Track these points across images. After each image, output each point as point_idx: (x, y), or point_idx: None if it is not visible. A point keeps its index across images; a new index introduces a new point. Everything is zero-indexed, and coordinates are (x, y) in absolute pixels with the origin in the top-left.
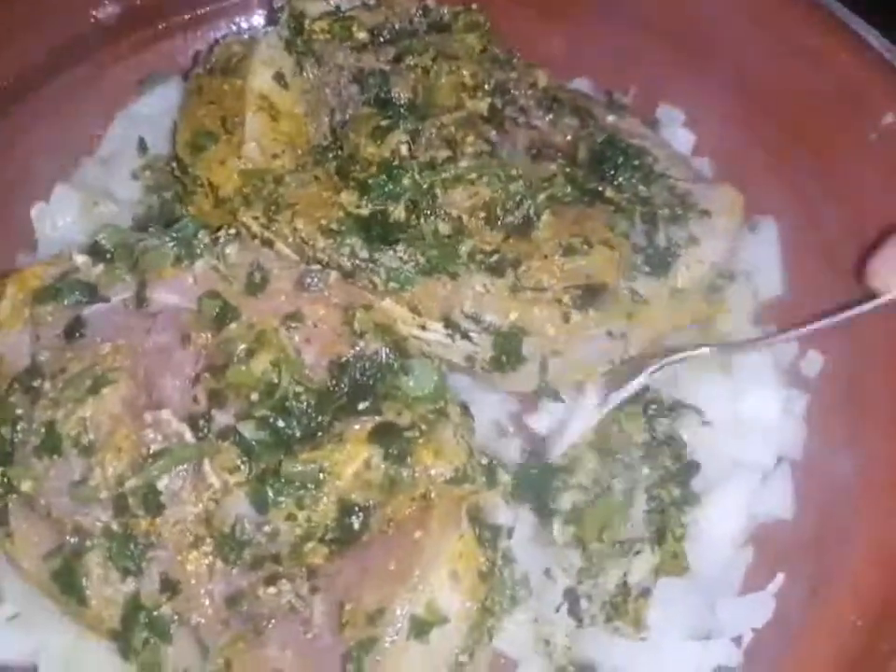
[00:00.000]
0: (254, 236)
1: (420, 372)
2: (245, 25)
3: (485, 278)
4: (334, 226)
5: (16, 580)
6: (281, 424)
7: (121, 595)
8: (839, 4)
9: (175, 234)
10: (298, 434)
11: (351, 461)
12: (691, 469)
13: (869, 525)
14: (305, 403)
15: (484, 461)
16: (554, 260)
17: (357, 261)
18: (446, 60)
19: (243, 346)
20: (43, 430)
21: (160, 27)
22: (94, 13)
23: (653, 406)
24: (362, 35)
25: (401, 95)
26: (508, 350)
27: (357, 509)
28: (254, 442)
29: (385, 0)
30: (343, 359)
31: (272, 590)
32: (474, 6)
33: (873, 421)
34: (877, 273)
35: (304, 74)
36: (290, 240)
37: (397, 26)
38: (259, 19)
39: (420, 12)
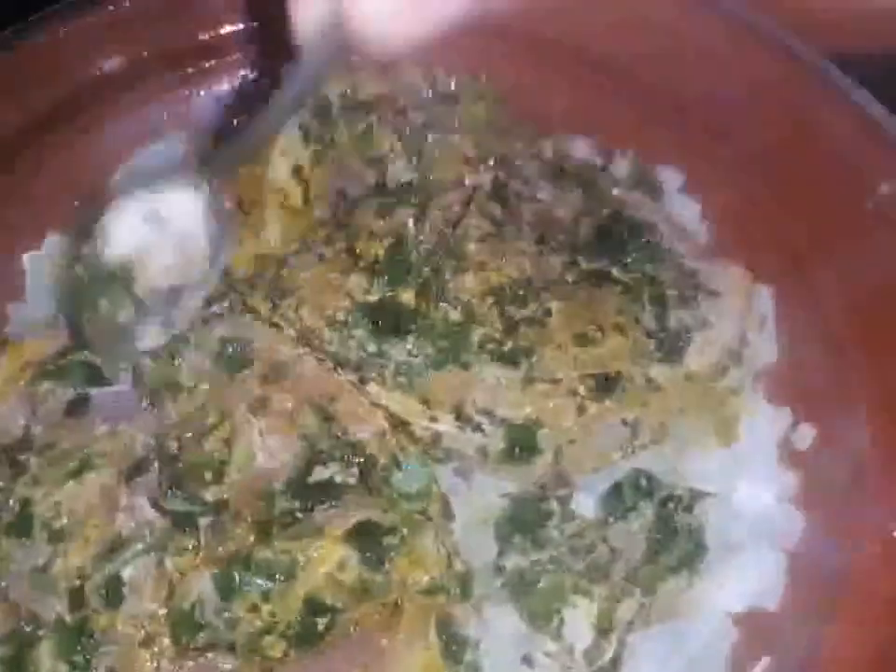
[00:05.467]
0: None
1: (413, 470)
2: (251, 77)
3: (498, 369)
4: (341, 316)
5: None
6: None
7: None
8: (837, 70)
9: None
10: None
11: (326, 560)
12: (699, 551)
13: (855, 608)
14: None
15: (460, 567)
16: (568, 350)
17: (365, 354)
18: (448, 133)
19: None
20: (17, 508)
21: (163, 80)
22: (100, 65)
23: (671, 503)
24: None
25: (405, 174)
26: (521, 443)
27: (324, 609)
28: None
29: (393, 69)
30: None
31: None
32: (483, 77)
33: (864, 502)
34: None
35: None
36: (297, 326)
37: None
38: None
39: (428, 83)
